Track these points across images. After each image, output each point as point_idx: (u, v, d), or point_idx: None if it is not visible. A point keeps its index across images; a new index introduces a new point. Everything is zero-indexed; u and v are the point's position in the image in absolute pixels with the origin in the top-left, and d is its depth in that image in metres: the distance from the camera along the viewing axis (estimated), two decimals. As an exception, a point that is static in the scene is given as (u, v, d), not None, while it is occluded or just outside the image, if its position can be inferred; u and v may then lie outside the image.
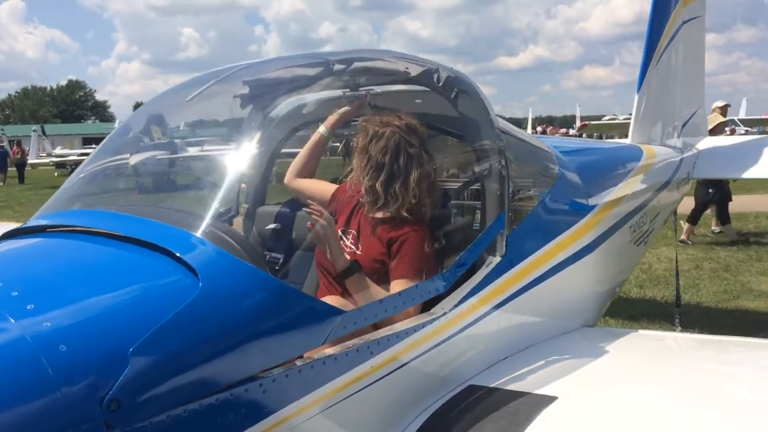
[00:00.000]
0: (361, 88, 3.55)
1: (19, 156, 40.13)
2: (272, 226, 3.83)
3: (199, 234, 2.44)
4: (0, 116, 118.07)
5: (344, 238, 3.10)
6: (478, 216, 3.29)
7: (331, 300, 2.64)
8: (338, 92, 3.67)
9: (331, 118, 3.49)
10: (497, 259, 3.10)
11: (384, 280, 2.91)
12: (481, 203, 3.28)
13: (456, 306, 2.87)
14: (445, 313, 2.81)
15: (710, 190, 11.70)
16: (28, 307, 1.96)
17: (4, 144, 43.51)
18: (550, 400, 2.66)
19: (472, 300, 2.95)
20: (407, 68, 3.47)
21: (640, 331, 4.03)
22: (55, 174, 38.39)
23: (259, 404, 2.18)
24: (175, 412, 1.97)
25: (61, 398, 1.79)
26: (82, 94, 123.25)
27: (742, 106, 43.41)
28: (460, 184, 3.53)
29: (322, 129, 3.51)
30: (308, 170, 3.56)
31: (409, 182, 2.97)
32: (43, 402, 1.78)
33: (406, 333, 2.64)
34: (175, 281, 2.20)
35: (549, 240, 3.59)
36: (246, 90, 3.69)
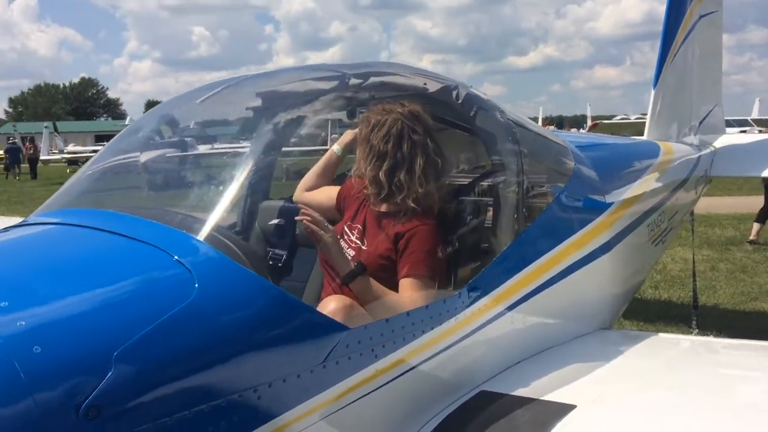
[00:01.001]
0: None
1: (32, 152, 40.25)
2: (275, 221, 3.69)
3: (198, 236, 2.30)
4: (13, 113, 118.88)
5: (349, 234, 2.95)
6: (490, 213, 3.12)
7: (336, 301, 2.48)
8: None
9: (346, 137, 3.33)
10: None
11: (391, 277, 2.75)
12: (494, 200, 3.12)
13: (467, 307, 2.71)
14: (455, 315, 2.65)
15: None
16: (1, 305, 1.82)
17: (17, 140, 43.64)
18: (568, 408, 2.50)
19: (484, 300, 2.80)
20: (425, 84, 3.33)
21: (659, 335, 3.87)
22: (68, 171, 38.45)
23: (254, 412, 2.04)
24: (160, 422, 1.83)
25: (33, 405, 1.65)
26: (94, 91, 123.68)
27: (754, 106, 43.00)
28: (470, 179, 3.38)
29: (336, 148, 3.37)
30: (319, 185, 3.41)
31: (414, 170, 2.82)
32: (12, 408, 1.64)
33: (413, 335, 2.48)
34: (169, 284, 2.06)
35: (564, 238, 3.42)
36: (258, 102, 3.58)
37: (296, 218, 2.66)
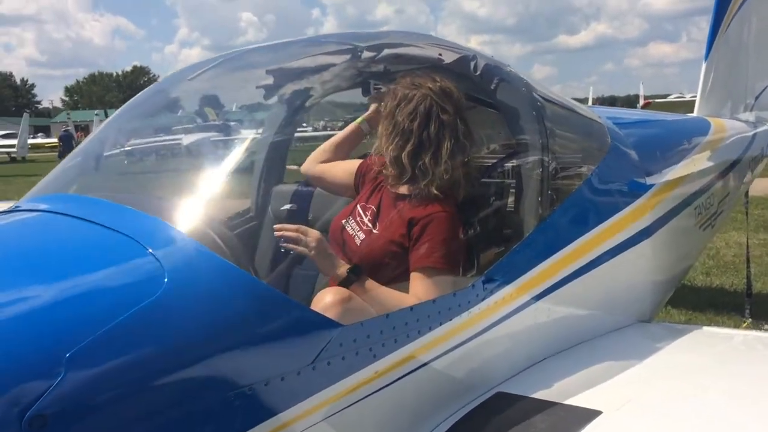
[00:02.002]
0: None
1: (83, 139, 41.10)
2: (288, 206, 3.49)
3: (176, 225, 2.09)
4: (69, 102, 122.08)
5: (362, 214, 2.70)
6: (512, 198, 2.85)
7: (332, 294, 2.24)
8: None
9: (375, 116, 2.98)
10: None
11: (401, 267, 2.51)
12: (516, 182, 2.84)
13: (482, 300, 2.45)
14: (468, 309, 2.39)
15: None
16: None
17: (70, 128, 44.60)
18: (593, 414, 2.22)
19: (502, 293, 2.53)
20: (440, 55, 3.03)
21: (705, 329, 3.53)
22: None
23: (231, 419, 1.83)
24: None
25: None
26: (146, 79, 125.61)
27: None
28: (494, 160, 3.10)
29: (363, 124, 3.07)
30: (333, 158, 3.11)
31: (441, 155, 2.55)
32: None
33: (418, 332, 2.23)
34: (136, 278, 1.86)
35: (597, 223, 3.11)
36: (270, 80, 3.36)
37: (275, 233, 2.39)
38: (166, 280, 1.81)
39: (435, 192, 2.54)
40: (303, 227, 2.39)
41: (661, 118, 5.47)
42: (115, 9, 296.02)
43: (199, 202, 2.31)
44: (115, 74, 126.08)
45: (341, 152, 3.10)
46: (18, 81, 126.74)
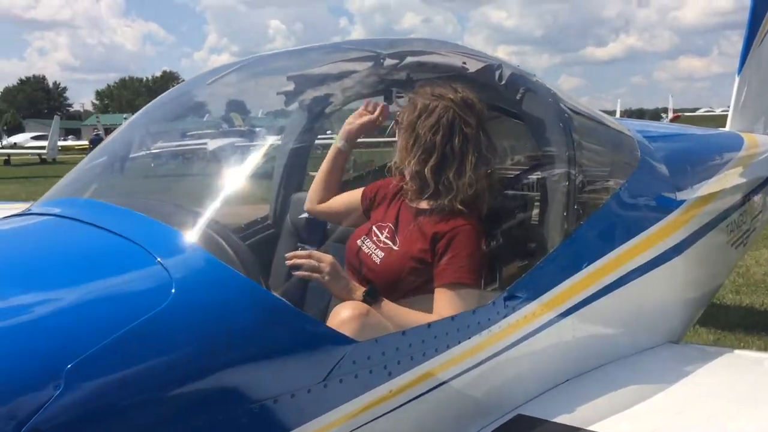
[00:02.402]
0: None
1: (111, 143, 41.49)
2: (306, 214, 3.42)
3: (188, 234, 2.02)
4: (100, 105, 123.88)
5: (378, 234, 2.60)
6: (537, 210, 2.75)
7: (350, 308, 2.15)
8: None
9: (349, 128, 2.89)
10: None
11: (424, 283, 2.42)
12: (541, 195, 2.74)
13: (503, 318, 2.35)
14: (488, 327, 2.29)
15: None
16: None
17: (100, 132, 45.15)
18: None
19: (524, 311, 2.42)
20: (465, 63, 2.93)
21: (737, 352, 3.38)
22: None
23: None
24: None
25: None
26: (175, 84, 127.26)
27: None
28: (517, 171, 3.00)
29: (339, 143, 2.92)
30: (330, 193, 2.98)
31: (464, 169, 2.45)
32: None
33: (435, 350, 2.14)
34: (142, 287, 1.80)
35: (626, 239, 3.00)
36: (290, 86, 3.29)
37: (287, 264, 2.29)
38: (173, 290, 1.75)
39: (459, 207, 2.45)
40: (315, 252, 2.32)
41: (692, 131, 5.33)
42: (147, 15, 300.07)
43: (213, 210, 2.23)
44: (145, 79, 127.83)
45: (333, 181, 2.97)
46: (50, 84, 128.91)
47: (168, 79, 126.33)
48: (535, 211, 2.75)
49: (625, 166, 3.21)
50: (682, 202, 3.48)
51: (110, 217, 2.07)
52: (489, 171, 2.54)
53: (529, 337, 2.45)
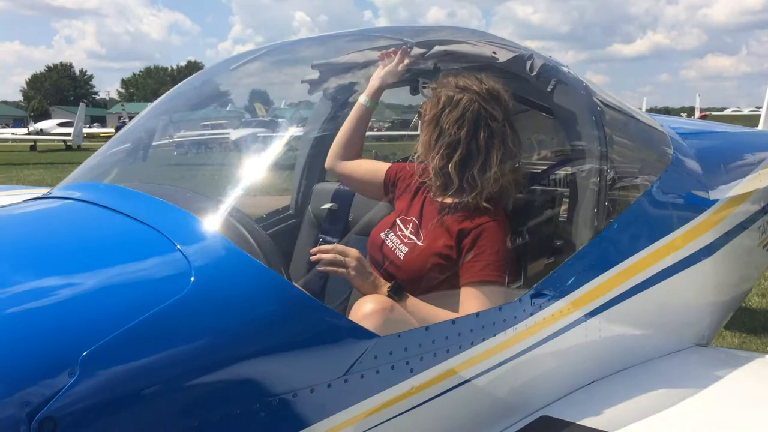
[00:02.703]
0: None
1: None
2: (328, 205, 3.36)
3: (208, 221, 1.97)
4: (125, 93, 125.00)
5: (402, 228, 2.54)
6: (565, 206, 2.67)
7: (373, 302, 2.09)
8: None
9: (372, 84, 2.82)
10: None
11: (448, 279, 2.35)
12: (570, 190, 2.66)
13: (529, 316, 2.28)
14: (513, 325, 2.23)
15: None
16: None
17: (125, 119, 45.49)
18: None
19: (551, 309, 2.35)
20: (495, 53, 2.82)
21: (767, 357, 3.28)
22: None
23: (256, 431, 1.70)
24: None
25: None
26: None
27: None
28: (544, 166, 2.92)
29: (362, 99, 2.82)
30: (353, 150, 2.88)
31: (490, 165, 2.37)
32: None
33: (459, 348, 2.08)
34: (160, 275, 1.75)
35: (657, 238, 2.91)
36: (315, 75, 3.24)
37: (312, 259, 2.25)
38: (192, 278, 1.70)
39: (484, 204, 2.38)
40: (340, 246, 2.26)
41: (725, 129, 5.20)
42: (173, 5, 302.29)
43: (235, 198, 2.18)
44: (169, 68, 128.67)
45: (356, 138, 2.87)
46: (77, 72, 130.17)
47: (193, 69, 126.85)
48: (563, 208, 2.67)
49: (658, 162, 3.12)
50: (714, 201, 3.39)
51: (130, 202, 2.03)
52: (515, 165, 2.47)
53: (556, 336, 2.38)
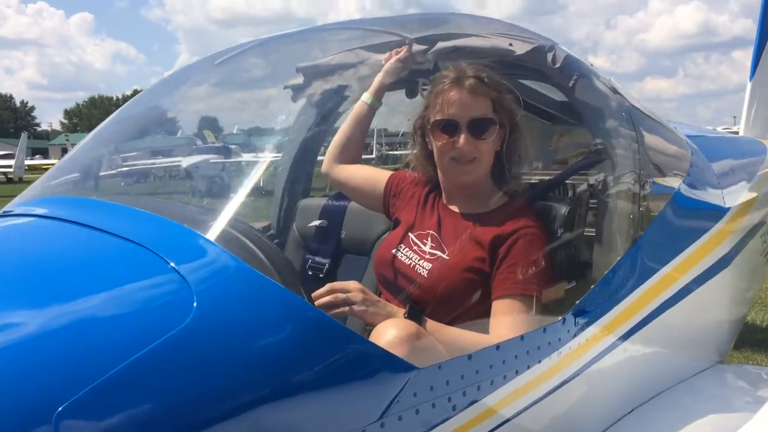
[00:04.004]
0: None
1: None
2: (316, 222, 3.03)
3: (208, 235, 1.61)
4: (68, 124, 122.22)
5: (419, 244, 2.23)
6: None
7: (397, 327, 1.76)
8: None
9: (377, 81, 2.55)
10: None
11: (481, 297, 2.05)
12: (599, 200, 2.38)
13: (573, 337, 1.99)
14: (558, 348, 1.93)
15: None
16: None
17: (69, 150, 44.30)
18: None
19: (593, 328, 2.07)
20: (511, 45, 2.53)
21: None
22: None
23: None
24: None
25: None
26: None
27: None
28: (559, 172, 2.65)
29: (365, 97, 2.57)
30: (352, 153, 2.61)
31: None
32: None
33: (504, 377, 1.77)
34: (154, 304, 1.41)
35: (682, 249, 2.66)
36: (299, 79, 2.92)
37: (316, 304, 1.84)
38: (194, 304, 1.36)
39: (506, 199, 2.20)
40: (335, 284, 1.92)
41: (715, 135, 5.04)
42: (117, 34, 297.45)
43: (235, 207, 1.82)
44: (115, 98, 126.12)
45: (356, 140, 2.60)
46: (17, 103, 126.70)
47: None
48: (593, 215, 2.39)
49: (680, 168, 2.87)
50: (728, 208, 3.17)
51: (107, 215, 1.67)
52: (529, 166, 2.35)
53: (598, 359, 2.10)
